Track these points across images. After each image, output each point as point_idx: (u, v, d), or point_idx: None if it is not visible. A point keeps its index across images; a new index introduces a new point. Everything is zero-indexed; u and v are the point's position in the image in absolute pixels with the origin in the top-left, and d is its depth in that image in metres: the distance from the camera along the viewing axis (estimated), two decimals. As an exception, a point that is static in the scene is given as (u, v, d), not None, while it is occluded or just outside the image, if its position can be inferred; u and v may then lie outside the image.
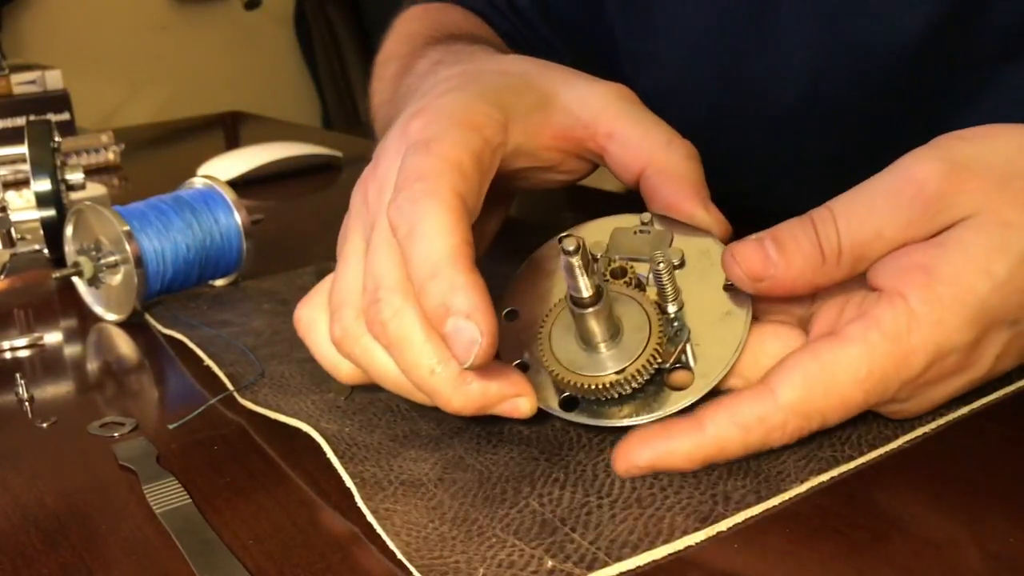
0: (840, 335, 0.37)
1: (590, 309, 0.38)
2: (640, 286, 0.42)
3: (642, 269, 0.43)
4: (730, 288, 0.41)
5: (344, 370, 0.43)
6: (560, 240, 0.37)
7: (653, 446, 0.37)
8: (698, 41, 0.69)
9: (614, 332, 0.40)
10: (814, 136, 0.66)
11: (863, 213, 0.38)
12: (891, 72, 0.61)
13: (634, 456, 0.37)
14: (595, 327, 0.39)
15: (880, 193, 0.38)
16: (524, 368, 0.43)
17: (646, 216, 0.45)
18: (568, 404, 0.41)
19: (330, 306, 0.42)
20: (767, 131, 0.69)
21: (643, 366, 0.39)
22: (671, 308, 0.41)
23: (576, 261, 0.37)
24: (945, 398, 0.40)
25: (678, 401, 0.39)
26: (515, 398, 0.39)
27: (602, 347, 0.40)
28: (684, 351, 0.40)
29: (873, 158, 0.41)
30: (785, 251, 0.38)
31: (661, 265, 0.40)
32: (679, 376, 0.40)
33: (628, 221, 0.45)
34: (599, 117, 0.46)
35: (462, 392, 0.38)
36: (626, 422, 0.40)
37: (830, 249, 0.38)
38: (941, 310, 0.36)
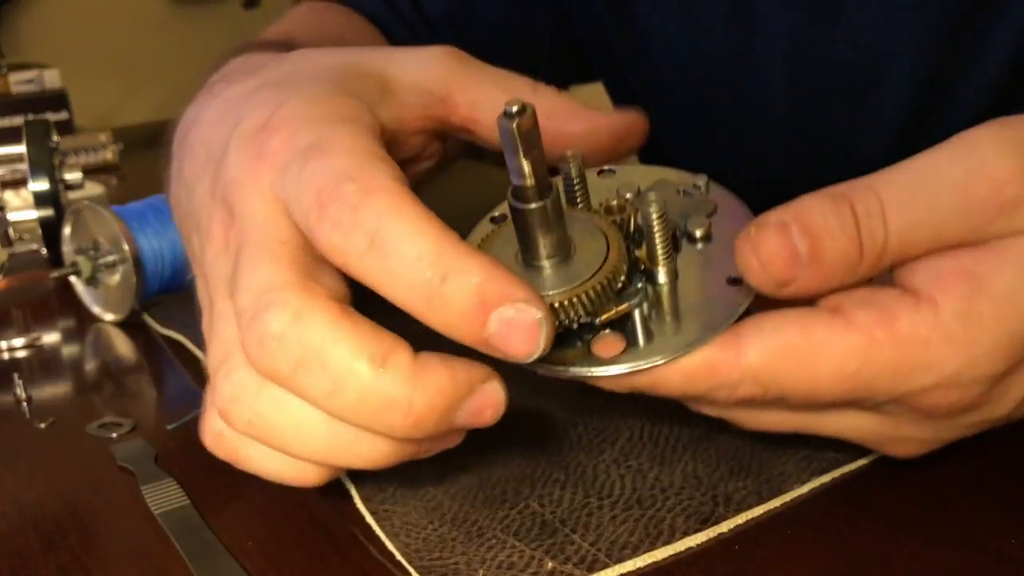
0: (843, 315, 0.31)
1: (530, 204, 0.31)
2: (635, 237, 0.35)
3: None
4: (734, 282, 0.33)
5: (311, 471, 0.34)
6: (506, 104, 0.30)
7: None
8: (681, 85, 0.68)
9: (557, 254, 0.33)
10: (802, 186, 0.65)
11: (922, 211, 0.30)
12: (875, 150, 0.59)
13: None
14: (534, 233, 0.32)
15: (946, 188, 0.30)
16: None
17: (701, 179, 0.38)
18: None
19: (213, 364, 0.34)
20: (756, 171, 0.68)
21: (564, 303, 0.32)
22: (660, 274, 0.34)
23: (514, 128, 0.30)
24: (945, 439, 0.34)
25: (588, 368, 0.32)
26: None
27: (544, 264, 0.33)
28: (628, 315, 0.33)
29: None
30: (817, 248, 0.30)
31: (652, 211, 0.33)
32: (606, 341, 0.33)
33: (680, 178, 0.38)
34: (450, 88, 0.41)
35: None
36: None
37: (872, 249, 0.30)
38: (976, 329, 0.30)
